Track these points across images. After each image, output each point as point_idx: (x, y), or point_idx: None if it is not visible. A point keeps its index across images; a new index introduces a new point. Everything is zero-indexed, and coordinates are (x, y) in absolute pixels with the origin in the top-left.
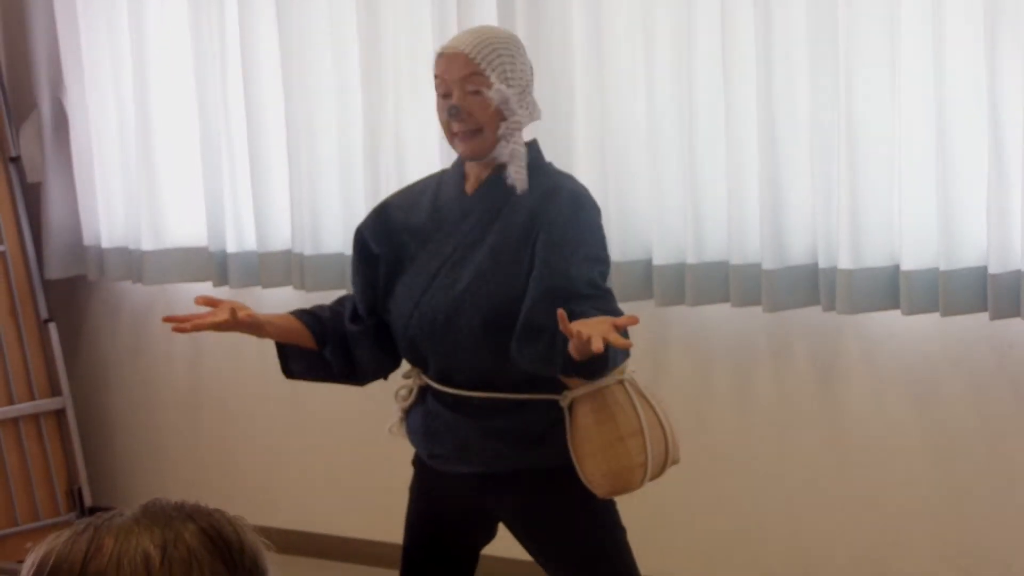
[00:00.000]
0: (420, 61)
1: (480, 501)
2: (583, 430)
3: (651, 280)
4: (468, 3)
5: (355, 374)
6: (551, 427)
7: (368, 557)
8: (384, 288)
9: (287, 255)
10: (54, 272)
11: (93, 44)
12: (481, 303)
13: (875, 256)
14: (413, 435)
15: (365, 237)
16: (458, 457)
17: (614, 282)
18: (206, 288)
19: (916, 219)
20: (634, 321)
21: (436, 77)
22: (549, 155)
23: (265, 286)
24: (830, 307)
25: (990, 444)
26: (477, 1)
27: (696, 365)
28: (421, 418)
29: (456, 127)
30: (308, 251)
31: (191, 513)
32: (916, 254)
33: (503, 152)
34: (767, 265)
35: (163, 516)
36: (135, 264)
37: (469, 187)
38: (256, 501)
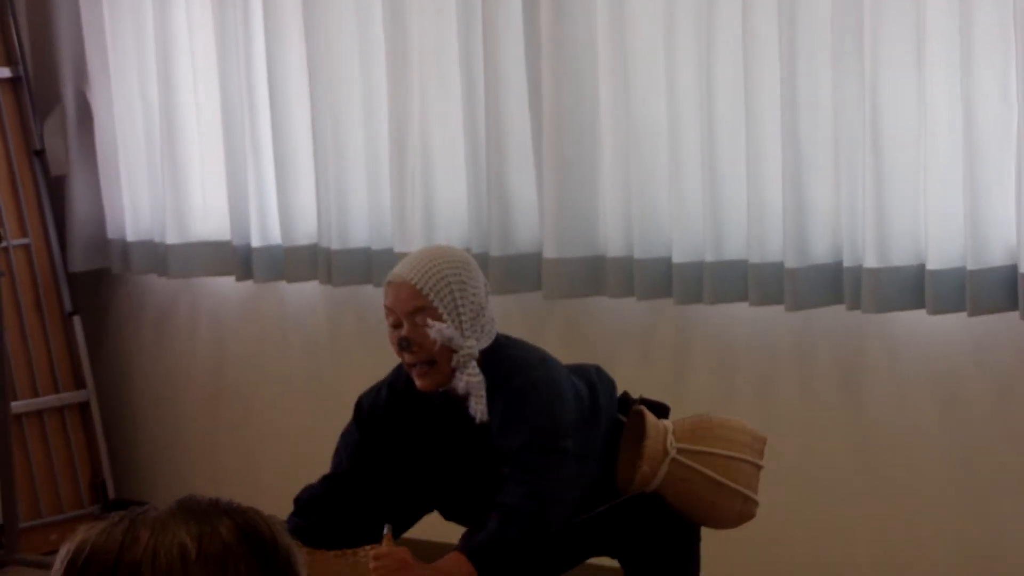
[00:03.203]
0: (446, 52)
1: None
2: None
3: (671, 278)
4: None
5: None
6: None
7: None
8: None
9: (313, 249)
10: (78, 265)
11: (118, 37)
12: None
13: (901, 255)
14: None
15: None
16: None
17: (636, 280)
18: (229, 282)
19: (943, 217)
20: None
21: (385, 307)
22: (574, 154)
23: (290, 280)
24: (855, 306)
25: (1015, 445)
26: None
27: (717, 364)
28: None
29: (408, 358)
30: (334, 245)
31: (226, 509)
32: (942, 253)
33: (459, 384)
34: (790, 263)
35: (198, 511)
36: (159, 257)
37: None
38: (277, 494)
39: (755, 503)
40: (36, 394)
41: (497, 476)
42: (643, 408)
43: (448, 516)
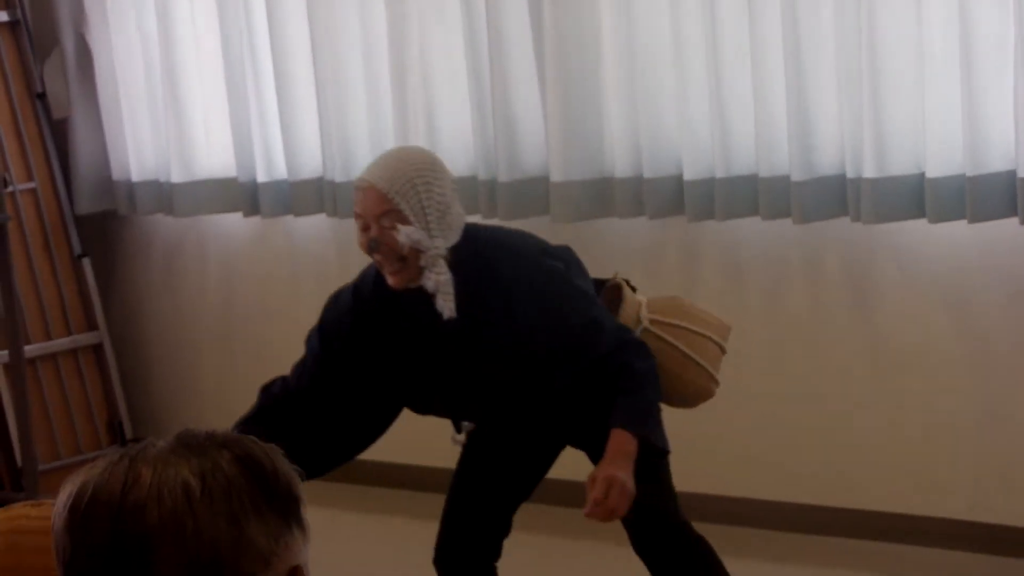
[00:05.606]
0: None
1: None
2: None
3: (682, 195)
4: None
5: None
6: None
7: (402, 481)
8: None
9: (318, 183)
10: (84, 207)
11: None
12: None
13: (901, 164)
14: None
15: (334, 339)
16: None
17: (646, 199)
18: (237, 218)
19: (941, 125)
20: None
21: (354, 212)
22: (578, 76)
23: (297, 214)
24: (858, 217)
25: None
26: None
27: (728, 279)
28: None
29: (378, 258)
30: (339, 178)
31: (224, 442)
32: (942, 161)
33: (428, 283)
34: (796, 177)
35: (197, 445)
36: (165, 197)
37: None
38: None
39: (717, 383)
40: (49, 337)
41: (479, 367)
42: (621, 281)
43: (421, 411)
